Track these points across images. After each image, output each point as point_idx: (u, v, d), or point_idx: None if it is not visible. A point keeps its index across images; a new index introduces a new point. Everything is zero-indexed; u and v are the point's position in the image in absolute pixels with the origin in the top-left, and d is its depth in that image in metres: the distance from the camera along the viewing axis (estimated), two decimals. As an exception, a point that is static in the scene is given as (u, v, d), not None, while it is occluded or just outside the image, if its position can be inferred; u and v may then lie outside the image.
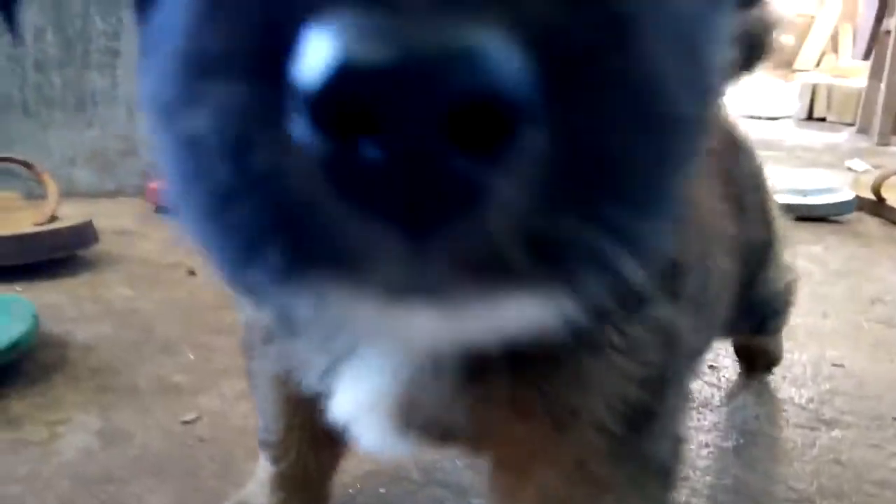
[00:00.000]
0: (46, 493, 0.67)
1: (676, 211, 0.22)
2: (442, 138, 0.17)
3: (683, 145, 0.22)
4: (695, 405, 0.86)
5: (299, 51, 0.18)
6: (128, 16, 1.83)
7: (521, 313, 0.22)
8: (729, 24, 0.27)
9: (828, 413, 0.85)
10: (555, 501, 0.39)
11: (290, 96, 0.18)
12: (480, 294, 0.21)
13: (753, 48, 0.65)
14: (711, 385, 0.93)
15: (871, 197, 1.99)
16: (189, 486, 0.69)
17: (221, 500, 0.64)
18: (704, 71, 0.24)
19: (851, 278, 1.42)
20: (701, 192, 0.48)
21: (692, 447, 0.77)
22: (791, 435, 0.81)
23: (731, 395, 0.90)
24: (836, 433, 0.81)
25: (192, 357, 0.96)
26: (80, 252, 1.33)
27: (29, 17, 1.74)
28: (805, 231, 1.74)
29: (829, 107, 4.52)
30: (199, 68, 0.20)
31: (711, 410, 0.87)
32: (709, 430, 0.82)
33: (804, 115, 4.56)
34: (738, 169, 0.66)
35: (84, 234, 1.31)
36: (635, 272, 0.21)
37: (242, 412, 0.82)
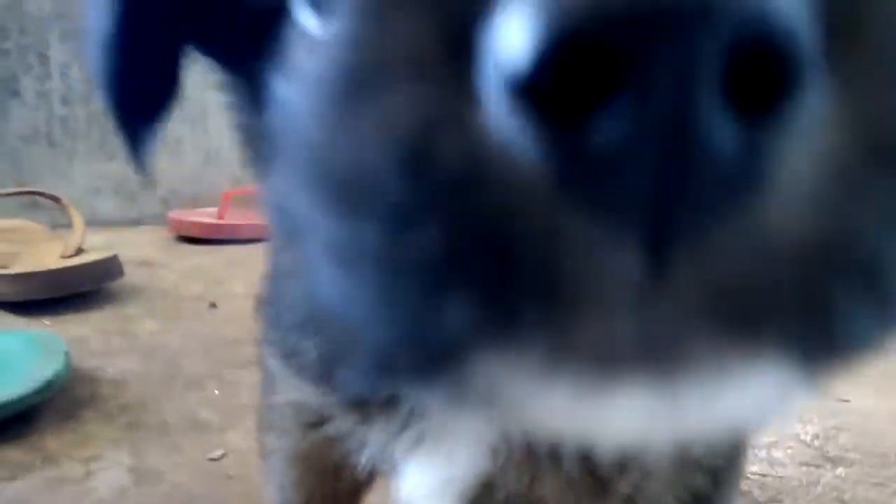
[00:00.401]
0: (84, 530, 0.70)
1: None
2: (714, 96, 0.12)
3: None
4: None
5: (492, 33, 0.13)
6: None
7: (757, 390, 0.15)
8: None
9: (832, 450, 0.88)
10: None
11: (485, 92, 0.14)
12: (724, 361, 0.14)
13: None
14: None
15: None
16: (218, 524, 0.73)
17: (250, 539, 0.67)
18: None
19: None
20: None
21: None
22: (795, 473, 0.83)
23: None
24: (840, 471, 0.84)
25: (217, 392, 1.00)
26: (106, 284, 1.38)
27: (56, 54, 1.81)
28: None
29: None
30: (360, 81, 0.16)
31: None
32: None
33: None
34: None
35: (110, 268, 1.36)
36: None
37: (266, 449, 0.86)
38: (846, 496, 0.79)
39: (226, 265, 1.63)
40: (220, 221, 1.84)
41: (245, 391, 1.00)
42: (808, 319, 0.14)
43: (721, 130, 0.12)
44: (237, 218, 1.88)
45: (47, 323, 1.23)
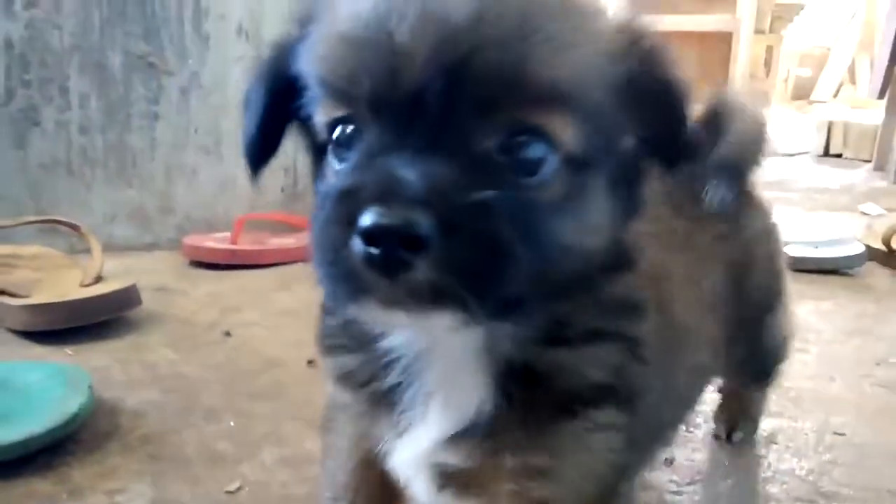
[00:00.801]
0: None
1: (507, 290, 0.42)
2: (399, 247, 0.38)
3: (510, 272, 0.41)
4: (689, 481, 0.92)
5: (359, 220, 0.39)
6: (166, 81, 1.94)
7: (442, 318, 0.42)
8: (598, 211, 0.46)
9: (826, 485, 0.91)
10: None
11: (356, 232, 0.39)
12: (422, 307, 0.41)
13: (740, 164, 0.74)
14: (711, 460, 0.99)
15: (882, 248, 2.04)
16: (236, 557, 0.76)
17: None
18: (554, 234, 0.43)
19: (859, 337, 1.48)
20: (672, 287, 0.62)
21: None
22: (790, 509, 0.86)
23: (729, 468, 0.96)
24: (834, 506, 0.87)
25: (232, 424, 1.04)
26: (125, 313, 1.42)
27: (75, 84, 1.86)
28: (817, 285, 1.79)
29: (845, 143, 4.55)
30: (329, 221, 0.42)
31: (709, 485, 0.92)
32: None
33: (821, 150, 4.60)
34: (751, 225, 0.81)
35: (129, 297, 1.40)
36: (481, 309, 0.41)
37: (282, 481, 0.90)
38: (839, 532, 0.82)
39: (239, 292, 1.68)
40: (234, 247, 1.89)
41: (259, 423, 1.04)
42: (449, 298, 0.41)
43: (404, 255, 0.39)
44: (250, 243, 1.93)
45: (70, 352, 1.27)
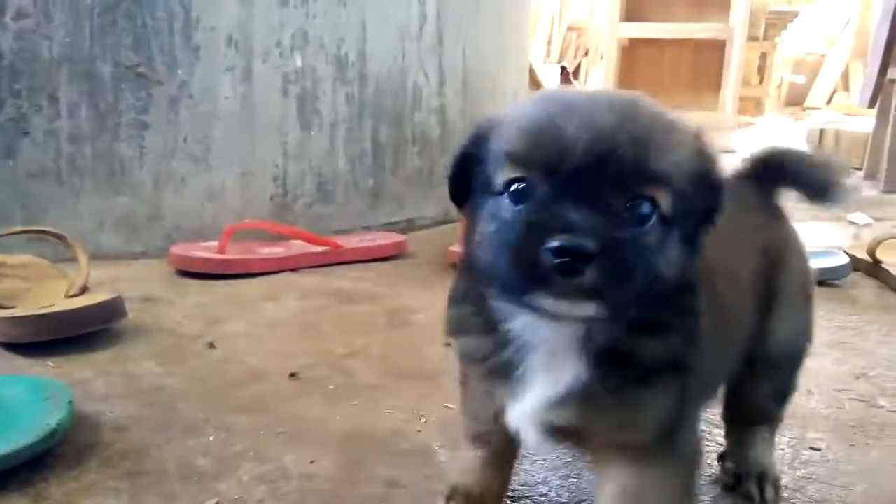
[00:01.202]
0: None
1: (640, 298, 0.61)
2: (576, 261, 0.56)
3: (633, 284, 0.59)
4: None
5: (548, 241, 0.56)
6: (156, 91, 1.95)
7: (589, 308, 0.58)
8: (676, 252, 0.64)
9: (800, 502, 0.92)
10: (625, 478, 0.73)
11: (547, 249, 0.56)
12: (582, 299, 0.58)
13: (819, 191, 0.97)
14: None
15: (868, 259, 2.05)
16: (210, 575, 0.77)
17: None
18: (654, 264, 0.61)
19: (840, 350, 1.49)
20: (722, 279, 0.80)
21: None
22: (762, 527, 0.87)
23: (706, 485, 0.97)
24: (805, 524, 0.88)
25: (211, 439, 1.05)
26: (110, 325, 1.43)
27: (65, 93, 1.87)
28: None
29: (836, 150, 4.58)
30: (520, 240, 0.59)
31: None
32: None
33: (813, 159, 4.61)
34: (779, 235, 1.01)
35: (114, 309, 1.41)
36: (614, 306, 0.59)
37: (258, 498, 0.90)
38: (808, 551, 0.83)
39: (226, 302, 1.68)
40: (222, 256, 1.89)
41: (240, 437, 1.05)
42: (598, 295, 0.58)
43: (577, 263, 0.56)
44: (238, 253, 1.93)
45: (52, 364, 1.28)
